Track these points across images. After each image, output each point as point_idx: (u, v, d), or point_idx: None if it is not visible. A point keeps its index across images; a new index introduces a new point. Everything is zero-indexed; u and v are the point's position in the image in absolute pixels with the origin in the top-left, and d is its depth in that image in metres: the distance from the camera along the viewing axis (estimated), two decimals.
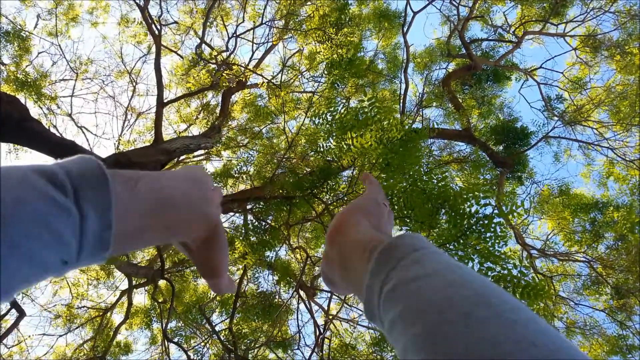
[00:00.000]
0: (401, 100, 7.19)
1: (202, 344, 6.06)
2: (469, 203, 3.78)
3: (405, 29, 7.97)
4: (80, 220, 0.36)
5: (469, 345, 0.30)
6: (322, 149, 4.95)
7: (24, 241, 0.32)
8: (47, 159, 7.54)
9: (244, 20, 8.05)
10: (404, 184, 4.18)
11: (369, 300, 0.43)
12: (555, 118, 8.72)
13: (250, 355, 5.72)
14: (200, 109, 9.05)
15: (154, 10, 8.67)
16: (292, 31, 7.89)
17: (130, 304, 6.73)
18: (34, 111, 7.49)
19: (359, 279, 0.46)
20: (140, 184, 0.43)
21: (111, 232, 0.39)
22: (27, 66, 8.06)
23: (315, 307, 6.26)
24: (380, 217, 0.60)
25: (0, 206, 0.32)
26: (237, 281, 5.93)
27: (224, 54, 7.52)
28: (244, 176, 6.66)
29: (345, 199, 5.45)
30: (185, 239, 0.50)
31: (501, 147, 8.48)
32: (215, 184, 0.58)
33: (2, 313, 5.25)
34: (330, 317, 5.59)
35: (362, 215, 0.58)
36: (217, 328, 6.01)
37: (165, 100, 6.21)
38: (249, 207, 6.06)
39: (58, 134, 5.42)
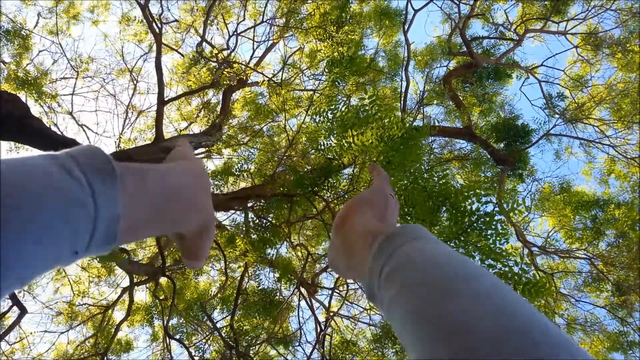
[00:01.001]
0: (402, 98, 7.18)
1: (204, 340, 6.08)
2: (470, 201, 3.79)
3: (406, 27, 7.97)
4: (95, 212, 0.37)
5: (452, 320, 0.33)
6: (323, 147, 4.95)
7: (45, 235, 0.33)
8: None
9: (244, 19, 8.05)
10: (405, 182, 4.19)
11: (370, 281, 0.46)
12: (557, 116, 8.71)
13: (251, 352, 5.74)
14: (201, 107, 9.05)
15: (154, 9, 8.66)
16: (293, 29, 7.88)
17: (131, 301, 6.74)
18: (35, 109, 7.50)
19: (361, 264, 0.49)
20: (149, 178, 0.45)
21: (118, 225, 0.40)
22: (27, 65, 8.06)
23: (316, 304, 6.27)
24: (385, 209, 0.64)
25: (23, 198, 0.32)
26: (239, 279, 5.94)
27: (225, 52, 7.52)
28: (245, 174, 6.67)
29: (346, 196, 5.45)
30: (184, 230, 0.53)
31: (502, 145, 8.47)
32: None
33: (4, 310, 5.27)
34: (331, 314, 5.60)
35: (367, 207, 0.61)
36: (218, 325, 6.02)
37: (166, 99, 6.21)
38: (249, 204, 6.06)
39: (59, 132, 5.42)
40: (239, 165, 6.95)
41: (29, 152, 8.35)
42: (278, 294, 6.18)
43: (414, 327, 0.35)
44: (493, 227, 3.69)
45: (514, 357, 0.28)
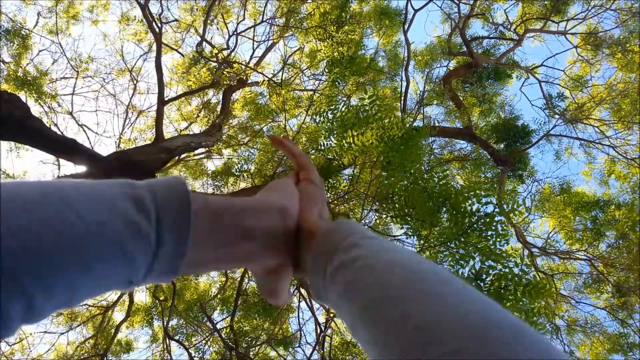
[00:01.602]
0: (402, 98, 7.18)
1: (204, 341, 6.07)
2: (470, 201, 3.78)
3: (406, 27, 7.96)
4: (156, 246, 0.37)
5: (401, 316, 0.32)
6: (323, 147, 4.95)
7: (98, 264, 0.34)
8: (49, 157, 7.54)
9: (244, 18, 8.05)
10: (405, 182, 4.18)
11: (315, 282, 0.45)
12: (557, 116, 8.71)
13: (251, 353, 5.73)
14: (201, 107, 9.05)
15: (154, 8, 8.66)
16: (293, 29, 7.88)
17: (131, 302, 6.74)
18: (35, 109, 7.49)
19: (305, 263, 0.48)
20: (227, 216, 0.45)
21: (183, 260, 0.40)
22: (27, 64, 8.06)
23: (316, 305, 6.27)
24: (322, 199, 0.61)
25: (78, 227, 0.32)
26: (239, 279, 5.94)
27: (225, 52, 7.52)
28: (245, 174, 6.67)
29: (346, 197, 5.45)
30: (256, 269, 0.52)
31: (502, 146, 8.47)
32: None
33: None
34: (332, 315, 5.59)
35: (307, 205, 0.58)
36: (218, 326, 6.01)
37: (166, 99, 6.21)
38: None
39: (59, 132, 5.41)
40: (239, 165, 6.95)
41: (29, 152, 8.35)
42: None
43: (363, 329, 0.35)
44: (493, 228, 3.69)
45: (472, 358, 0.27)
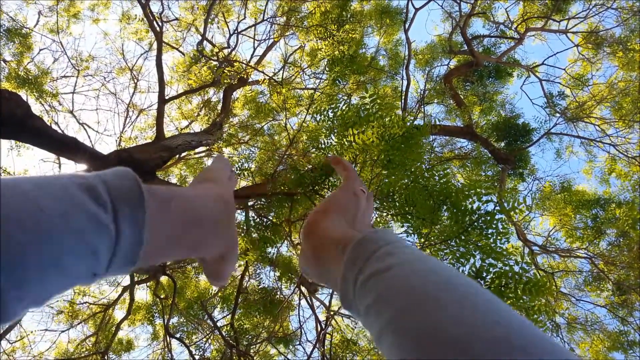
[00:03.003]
0: (403, 97, 7.17)
1: (204, 339, 6.08)
2: (470, 200, 3.78)
3: (406, 26, 7.96)
4: (116, 236, 0.38)
5: (435, 325, 0.31)
6: (323, 146, 4.95)
7: (65, 257, 0.34)
8: (50, 156, 7.54)
9: (245, 17, 8.04)
10: (406, 181, 4.18)
11: (345, 290, 0.45)
12: (557, 115, 8.70)
13: (252, 351, 5.74)
14: (201, 105, 9.05)
15: (155, 7, 8.66)
16: (294, 28, 7.88)
17: (132, 300, 6.75)
18: (36, 108, 7.49)
19: (333, 271, 0.48)
20: (174, 204, 0.46)
21: (141, 249, 0.40)
22: (28, 63, 8.06)
23: (316, 303, 6.28)
24: (356, 210, 0.62)
25: (46, 220, 0.32)
26: (239, 277, 5.95)
27: (226, 51, 7.52)
28: (246, 173, 6.67)
29: None
30: (205, 255, 0.53)
31: (503, 144, 8.46)
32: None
33: None
34: (332, 313, 5.60)
35: (335, 211, 0.59)
36: (218, 324, 6.02)
37: (166, 97, 6.21)
38: (250, 203, 6.06)
39: (60, 131, 5.42)
40: (239, 164, 6.94)
41: (30, 150, 8.35)
42: (278, 292, 6.18)
43: (391, 337, 0.34)
44: (494, 226, 3.68)
45: None
